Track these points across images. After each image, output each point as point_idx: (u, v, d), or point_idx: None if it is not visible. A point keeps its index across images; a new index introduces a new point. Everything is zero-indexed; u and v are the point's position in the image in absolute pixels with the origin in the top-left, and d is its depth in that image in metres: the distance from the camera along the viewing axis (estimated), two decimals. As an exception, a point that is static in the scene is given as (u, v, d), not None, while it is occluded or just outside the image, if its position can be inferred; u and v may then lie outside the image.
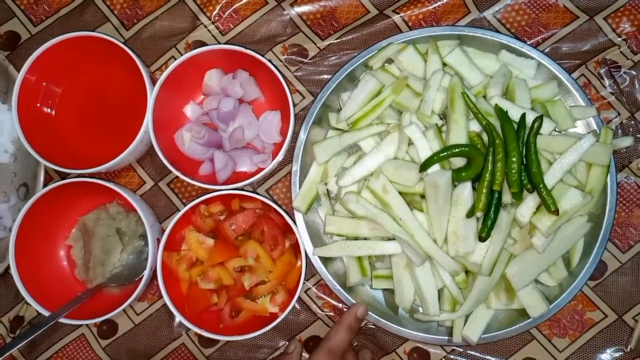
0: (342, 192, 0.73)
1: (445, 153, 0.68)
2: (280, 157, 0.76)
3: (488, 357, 0.79)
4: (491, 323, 0.74)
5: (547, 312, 0.72)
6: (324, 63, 0.84)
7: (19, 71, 0.77)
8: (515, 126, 0.69)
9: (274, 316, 0.75)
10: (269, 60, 0.75)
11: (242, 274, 0.76)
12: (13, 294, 0.85)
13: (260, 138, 0.82)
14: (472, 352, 0.79)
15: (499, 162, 0.67)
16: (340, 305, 0.81)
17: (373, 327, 0.80)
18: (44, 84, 0.81)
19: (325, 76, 0.84)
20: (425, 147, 0.70)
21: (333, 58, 0.84)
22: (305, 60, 0.84)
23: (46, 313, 0.75)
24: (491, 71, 0.76)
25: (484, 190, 0.67)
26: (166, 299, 0.74)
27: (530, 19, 0.82)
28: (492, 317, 0.74)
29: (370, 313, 0.75)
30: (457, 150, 0.68)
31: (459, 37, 0.77)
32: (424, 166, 0.69)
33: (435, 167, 0.69)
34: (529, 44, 0.77)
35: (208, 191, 0.77)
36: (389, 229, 0.69)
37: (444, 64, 0.75)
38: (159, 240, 0.76)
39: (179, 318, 0.74)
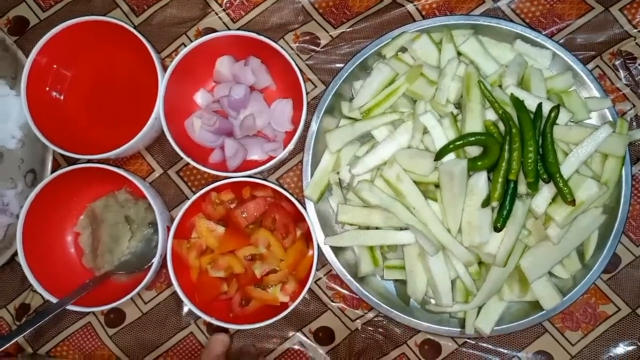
0: (355, 181, 0.72)
1: (461, 141, 0.67)
2: (291, 145, 0.75)
3: (500, 350, 0.78)
4: (504, 315, 0.73)
5: (561, 304, 0.72)
6: (336, 52, 0.83)
7: (27, 56, 0.76)
8: (532, 116, 0.68)
9: (284, 306, 0.74)
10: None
11: (252, 262, 0.75)
12: (19, 281, 0.83)
13: (271, 126, 0.81)
14: (484, 345, 0.78)
15: (515, 152, 0.66)
16: (351, 295, 0.80)
17: (383, 318, 0.79)
18: (54, 67, 0.80)
19: (338, 65, 0.83)
20: (441, 135, 0.69)
21: (345, 47, 0.83)
22: (317, 49, 0.83)
23: (53, 300, 0.74)
24: (505, 61, 0.75)
25: (500, 180, 0.66)
26: (176, 286, 0.73)
27: (544, 9, 0.81)
28: (505, 309, 0.73)
29: (381, 304, 0.74)
30: (473, 138, 0.67)
31: (473, 27, 0.76)
32: (439, 155, 0.68)
33: (451, 156, 0.69)
34: (544, 35, 0.77)
35: (218, 179, 0.76)
36: (403, 218, 0.69)
37: (459, 53, 0.74)
38: (168, 228, 0.75)
39: (188, 306, 0.74)
